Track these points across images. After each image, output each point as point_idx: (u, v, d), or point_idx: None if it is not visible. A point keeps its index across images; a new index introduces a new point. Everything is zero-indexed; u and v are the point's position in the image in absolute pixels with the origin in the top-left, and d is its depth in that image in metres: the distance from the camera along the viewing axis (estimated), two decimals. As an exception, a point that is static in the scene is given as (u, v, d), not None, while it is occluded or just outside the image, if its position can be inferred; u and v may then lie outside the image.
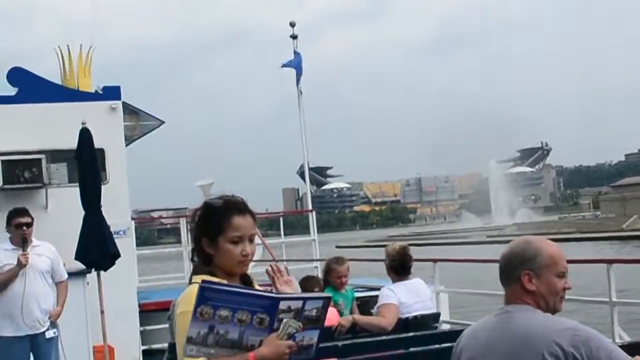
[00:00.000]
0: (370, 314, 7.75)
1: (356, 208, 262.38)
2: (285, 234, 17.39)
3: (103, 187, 10.64)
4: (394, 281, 7.48)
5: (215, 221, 3.49)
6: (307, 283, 7.49)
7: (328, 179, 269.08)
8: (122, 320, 11.00)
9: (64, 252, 8.77)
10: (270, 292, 3.42)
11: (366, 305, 9.87)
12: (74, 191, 10.53)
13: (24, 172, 10.87)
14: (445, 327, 8.75)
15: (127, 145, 12.75)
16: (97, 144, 10.61)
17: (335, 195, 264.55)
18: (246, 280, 3.58)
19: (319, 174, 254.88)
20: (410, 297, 7.31)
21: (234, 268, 3.51)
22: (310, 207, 17.62)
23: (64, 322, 8.42)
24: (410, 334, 6.82)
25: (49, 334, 8.19)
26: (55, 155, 11.40)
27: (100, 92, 12.13)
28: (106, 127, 11.43)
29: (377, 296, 7.74)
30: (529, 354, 3.28)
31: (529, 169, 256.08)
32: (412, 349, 6.60)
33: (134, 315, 11.63)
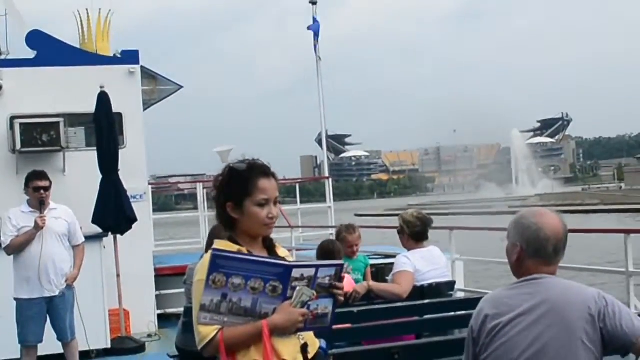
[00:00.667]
0: (386, 282, 7.73)
1: (374, 176, 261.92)
2: (302, 202, 17.37)
3: (120, 152, 10.69)
4: (409, 249, 7.45)
5: (241, 184, 3.44)
6: (328, 251, 7.42)
7: (346, 147, 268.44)
8: (138, 284, 11.07)
9: (81, 216, 8.79)
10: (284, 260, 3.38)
11: (381, 272, 9.89)
12: (92, 155, 10.58)
13: (42, 135, 10.90)
14: (460, 295, 8.75)
15: (145, 109, 12.76)
16: (115, 108, 10.64)
17: (353, 163, 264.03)
18: (269, 245, 3.55)
19: (338, 142, 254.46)
20: (425, 264, 7.27)
21: (260, 231, 3.48)
22: (327, 175, 17.60)
23: (80, 285, 8.45)
24: (426, 302, 6.80)
25: (66, 296, 8.23)
26: (73, 119, 11.43)
27: (119, 56, 12.10)
28: (124, 91, 11.44)
29: (392, 264, 7.71)
30: (571, 318, 3.37)
31: (549, 140, 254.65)
32: (427, 316, 6.60)
33: (150, 279, 11.70)
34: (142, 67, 12.12)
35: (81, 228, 8.68)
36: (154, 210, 13.37)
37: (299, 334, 3.35)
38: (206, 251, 6.95)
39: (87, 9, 12.91)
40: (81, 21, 13.02)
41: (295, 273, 3.23)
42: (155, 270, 11.93)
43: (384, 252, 11.42)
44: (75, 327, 8.39)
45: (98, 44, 12.94)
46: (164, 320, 11.71)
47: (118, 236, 10.58)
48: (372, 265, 8.91)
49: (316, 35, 16.85)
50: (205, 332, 3.24)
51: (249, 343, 3.25)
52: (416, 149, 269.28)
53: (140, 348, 10.35)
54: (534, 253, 3.52)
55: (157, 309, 11.66)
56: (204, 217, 13.97)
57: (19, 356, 8.37)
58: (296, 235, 15.16)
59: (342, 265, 3.42)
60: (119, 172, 10.55)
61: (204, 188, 14.72)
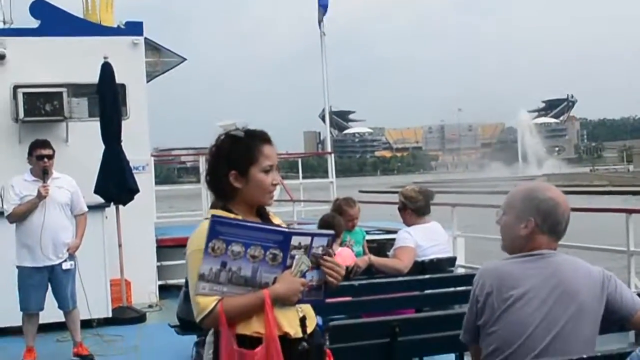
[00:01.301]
0: (387, 257, 7.74)
1: (377, 153, 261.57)
2: (305, 177, 17.35)
3: (123, 123, 10.69)
4: (411, 225, 7.45)
5: (246, 152, 3.36)
6: (329, 224, 7.40)
7: (350, 124, 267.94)
8: (140, 255, 11.10)
9: (84, 186, 8.79)
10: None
11: (382, 248, 9.90)
12: (95, 125, 10.58)
13: (45, 105, 10.90)
14: (460, 271, 8.77)
15: (148, 81, 12.73)
16: (119, 79, 10.64)
17: (356, 140, 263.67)
18: (262, 213, 3.48)
19: (341, 118, 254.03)
20: (427, 240, 7.28)
21: (263, 199, 3.41)
22: (329, 150, 17.59)
23: (82, 254, 8.47)
24: (426, 276, 6.81)
25: (67, 265, 8.24)
26: (76, 89, 11.41)
27: (123, 27, 12.07)
28: (128, 62, 11.43)
29: (393, 239, 7.72)
30: (582, 294, 3.42)
31: (553, 120, 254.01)
32: (427, 291, 6.61)
33: (152, 250, 11.73)
34: (145, 38, 12.10)
35: (83, 198, 8.69)
36: (156, 183, 13.36)
37: (297, 306, 3.29)
38: None
39: (91, -21, 12.87)
40: (85, -9, 12.98)
41: (294, 241, 3.16)
42: (157, 241, 11.96)
43: (386, 227, 11.42)
44: (77, 296, 8.42)
45: (102, 14, 12.92)
46: (165, 291, 11.76)
47: (120, 207, 10.60)
48: (374, 241, 8.94)
49: (324, 9, 16.74)
50: (205, 302, 3.15)
51: (249, 314, 3.18)
52: (420, 126, 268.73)
53: (141, 318, 10.40)
54: (549, 228, 3.49)
55: (158, 279, 11.71)
56: (206, 189, 13.97)
57: (20, 323, 8.42)
58: (298, 209, 15.18)
59: (333, 235, 3.37)
60: (122, 143, 10.56)
61: (206, 161, 14.70)
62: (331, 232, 3.43)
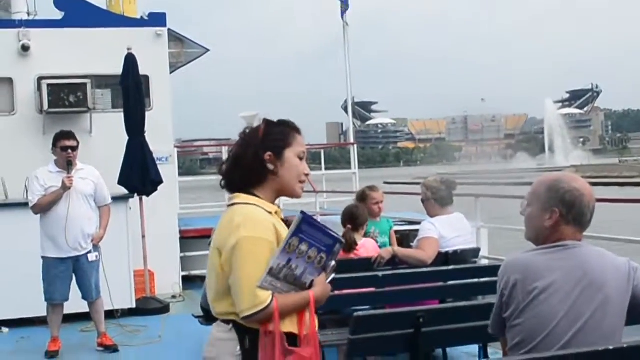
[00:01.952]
0: (410, 248, 7.72)
1: (400, 145, 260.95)
2: (327, 169, 17.31)
3: (147, 114, 10.72)
4: (434, 216, 7.43)
5: (282, 134, 3.37)
6: (352, 215, 7.39)
7: (372, 115, 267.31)
8: (163, 245, 11.15)
9: (107, 177, 8.82)
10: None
11: (406, 239, 9.86)
12: (118, 117, 10.62)
13: (69, 96, 10.94)
14: (484, 262, 8.73)
15: (171, 72, 12.75)
16: (142, 70, 10.67)
17: (379, 131, 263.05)
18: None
19: (364, 109, 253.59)
20: (450, 231, 7.25)
21: (295, 187, 3.39)
22: (352, 141, 17.55)
23: (106, 245, 8.51)
24: (450, 267, 6.79)
25: (91, 256, 8.28)
26: (100, 81, 11.47)
27: (146, 18, 12.09)
28: (151, 53, 11.46)
29: (417, 230, 7.70)
30: (608, 286, 3.39)
31: (577, 111, 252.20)
32: (451, 282, 6.59)
33: (175, 241, 11.77)
34: (169, 29, 12.12)
35: (107, 189, 8.71)
36: (179, 174, 13.38)
37: None
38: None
39: (114, -29, 12.88)
40: (108, -17, 13.00)
41: (336, 248, 3.20)
42: (180, 232, 12.00)
43: (409, 218, 11.40)
44: (101, 287, 8.46)
45: (125, 6, 12.93)
46: (188, 282, 11.80)
47: (144, 198, 10.64)
48: (397, 232, 8.90)
49: (346, 0, 16.69)
50: (264, 297, 3.10)
51: (292, 313, 3.19)
52: (443, 117, 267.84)
53: (164, 309, 10.44)
54: (574, 219, 3.45)
55: (182, 270, 11.75)
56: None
57: (45, 314, 8.48)
58: (320, 200, 15.16)
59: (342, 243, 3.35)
60: (145, 135, 10.59)
61: (229, 152, 14.70)
62: (342, 240, 3.35)
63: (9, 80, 11.16)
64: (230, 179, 3.41)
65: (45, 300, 8.33)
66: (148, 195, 10.63)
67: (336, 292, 4.63)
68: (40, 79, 11.02)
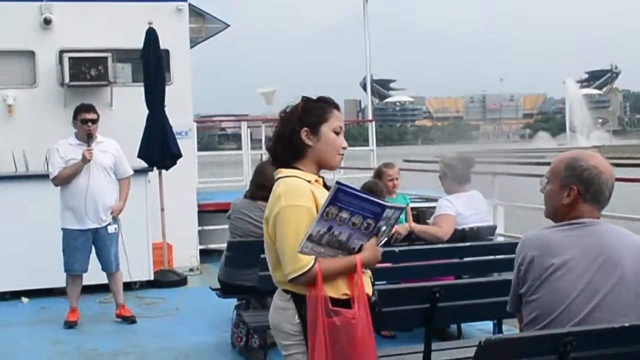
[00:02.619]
0: (427, 224, 7.76)
1: (418, 122, 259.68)
2: (345, 145, 17.28)
3: (167, 88, 10.77)
4: (451, 193, 7.46)
5: (318, 110, 3.57)
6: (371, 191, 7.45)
7: (390, 92, 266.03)
8: (181, 219, 11.22)
9: (127, 151, 8.87)
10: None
11: (422, 215, 9.91)
12: (139, 90, 10.67)
13: (90, 69, 11.00)
14: (500, 239, 8.75)
15: (191, 47, 12.78)
16: (163, 44, 10.70)
17: (397, 108, 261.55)
18: (324, 184, 3.63)
19: (382, 87, 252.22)
20: (467, 208, 7.29)
21: (333, 160, 3.60)
22: (370, 118, 17.52)
23: (125, 218, 8.58)
24: (466, 244, 6.83)
25: (111, 228, 8.35)
26: (120, 55, 11.52)
27: (168, -7, 12.09)
28: (172, 28, 11.49)
29: (433, 207, 7.74)
30: (625, 264, 3.40)
31: (596, 92, 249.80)
32: (466, 259, 6.62)
33: (193, 214, 11.85)
34: (189, 4, 12.14)
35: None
36: (197, 150, 13.45)
37: None
38: (253, 187, 7.03)
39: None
40: (130, -43, 12.99)
41: (385, 213, 3.33)
42: (199, 206, 12.07)
43: (426, 195, 11.42)
44: (120, 259, 8.55)
45: (146, -20, 12.93)
46: (206, 255, 11.89)
47: (163, 171, 10.71)
48: (414, 208, 8.93)
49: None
50: (305, 261, 3.32)
51: (338, 276, 3.38)
52: (461, 96, 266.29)
53: (182, 281, 10.52)
54: (591, 197, 3.47)
55: (199, 244, 11.83)
56: (248, 155, 14.03)
57: (64, 284, 8.58)
58: (338, 177, 15.18)
59: (403, 209, 3.54)
60: (165, 109, 10.64)
61: (248, 127, 14.76)
62: (404, 206, 3.68)
63: (31, 53, 11.24)
64: (274, 154, 3.62)
65: (65, 271, 8.42)
66: (167, 168, 10.70)
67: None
68: (61, 52, 11.09)
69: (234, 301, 7.36)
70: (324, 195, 3.35)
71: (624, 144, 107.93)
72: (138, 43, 10.60)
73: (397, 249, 6.41)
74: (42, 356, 7.39)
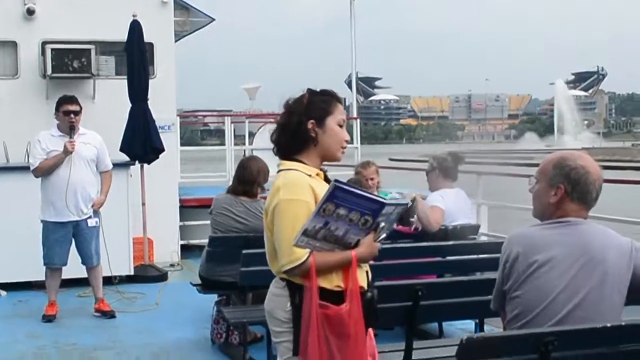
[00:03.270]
0: (409, 223, 7.72)
1: (402, 121, 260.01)
2: (330, 143, 17.22)
3: (150, 82, 10.70)
4: (435, 188, 7.50)
5: (323, 103, 3.62)
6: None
7: (375, 90, 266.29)
8: (163, 214, 11.17)
9: (109, 144, 8.81)
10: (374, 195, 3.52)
11: (405, 213, 9.86)
12: (122, 84, 10.59)
13: (73, 61, 10.90)
14: (484, 239, 8.74)
15: (176, 41, 12.71)
16: (147, 37, 10.64)
17: (382, 107, 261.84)
18: (325, 177, 3.68)
19: (367, 85, 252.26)
20: (455, 206, 7.35)
21: (336, 152, 3.66)
22: (354, 116, 17.48)
23: (106, 211, 8.52)
24: (450, 243, 6.81)
25: (91, 222, 8.29)
26: (104, 47, 11.43)
27: (152, -15, 12.01)
28: (156, 21, 11.40)
29: (414, 206, 7.72)
30: (608, 264, 3.41)
31: (582, 93, 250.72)
32: (449, 258, 6.60)
33: (175, 209, 11.78)
34: (175, -3, 12.06)
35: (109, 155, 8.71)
36: (180, 145, 13.37)
37: None
38: (235, 182, 6.98)
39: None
40: (115, -52, 12.90)
41: (384, 210, 3.37)
42: (180, 201, 12.00)
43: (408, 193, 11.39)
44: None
45: (131, -28, 12.85)
46: (187, 251, 11.83)
47: (145, 165, 10.63)
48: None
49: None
50: (300, 253, 3.38)
51: (333, 270, 3.44)
52: (446, 95, 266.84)
53: (162, 277, 10.45)
54: (578, 196, 3.48)
55: (181, 239, 11.77)
56: (231, 151, 13.97)
57: (43, 278, 8.50)
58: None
59: (406, 205, 3.69)
60: (148, 102, 10.57)
61: (231, 122, 14.68)
62: (407, 202, 3.80)
63: (13, 44, 11.11)
64: (278, 146, 3.67)
65: (44, 265, 8.35)
66: (149, 162, 10.62)
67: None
68: (44, 43, 10.97)
69: (214, 297, 7.32)
70: (323, 189, 3.39)
71: (614, 146, 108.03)
72: (122, 35, 10.52)
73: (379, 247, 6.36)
74: (19, 350, 7.31)
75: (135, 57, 10.46)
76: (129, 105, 10.46)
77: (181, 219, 11.86)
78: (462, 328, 7.13)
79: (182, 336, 7.59)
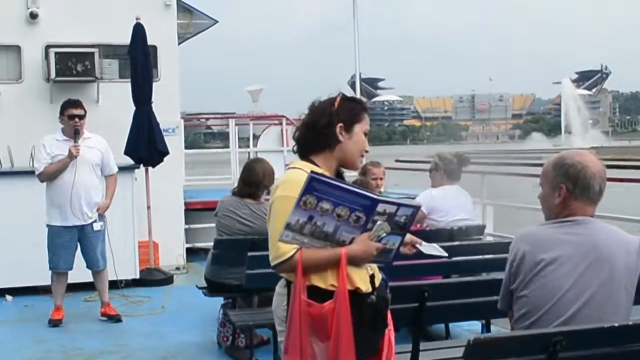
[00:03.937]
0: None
1: (406, 122, 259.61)
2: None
3: (154, 85, 10.69)
4: (437, 187, 7.51)
5: (355, 110, 3.65)
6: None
7: (378, 91, 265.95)
8: (168, 217, 11.16)
9: (113, 147, 8.80)
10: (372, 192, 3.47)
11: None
12: (126, 87, 10.59)
13: (77, 65, 10.91)
14: (489, 239, 8.72)
15: (179, 43, 12.70)
16: (150, 40, 10.63)
17: (385, 108, 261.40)
18: (340, 176, 3.67)
19: (370, 86, 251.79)
20: (453, 200, 7.39)
21: (355, 159, 3.66)
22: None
23: (111, 215, 8.52)
24: (456, 243, 6.79)
25: (97, 226, 8.28)
26: (107, 50, 11.42)
27: (155, -12, 12.01)
28: (160, 23, 11.41)
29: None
30: (616, 262, 3.40)
31: (586, 92, 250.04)
32: (455, 258, 6.57)
33: (180, 212, 11.77)
34: (178, 0, 12.06)
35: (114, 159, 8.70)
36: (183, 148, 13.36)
37: (366, 264, 3.50)
38: (240, 184, 6.98)
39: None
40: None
41: (380, 208, 3.30)
42: (185, 204, 11.99)
43: (412, 194, 11.39)
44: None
45: (134, -25, 12.85)
46: (192, 254, 11.82)
47: (149, 168, 10.63)
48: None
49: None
50: (285, 249, 3.36)
51: (324, 267, 3.38)
52: (450, 96, 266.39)
53: (168, 280, 10.44)
54: (581, 192, 3.48)
55: (186, 242, 11.76)
56: (236, 153, 13.95)
57: (49, 282, 8.49)
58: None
59: (419, 207, 3.53)
60: (152, 105, 10.57)
61: (236, 125, 14.68)
62: (419, 204, 3.65)
63: (17, 48, 11.12)
64: (300, 144, 3.67)
65: (50, 269, 8.35)
66: (154, 166, 10.62)
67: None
68: (48, 47, 10.97)
69: (220, 300, 7.31)
70: None
71: (625, 146, 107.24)
72: (125, 39, 10.51)
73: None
74: (25, 355, 7.30)
75: (138, 60, 10.46)
76: (133, 108, 10.46)
77: (186, 222, 11.86)
78: (469, 329, 7.11)
79: (189, 339, 7.58)
